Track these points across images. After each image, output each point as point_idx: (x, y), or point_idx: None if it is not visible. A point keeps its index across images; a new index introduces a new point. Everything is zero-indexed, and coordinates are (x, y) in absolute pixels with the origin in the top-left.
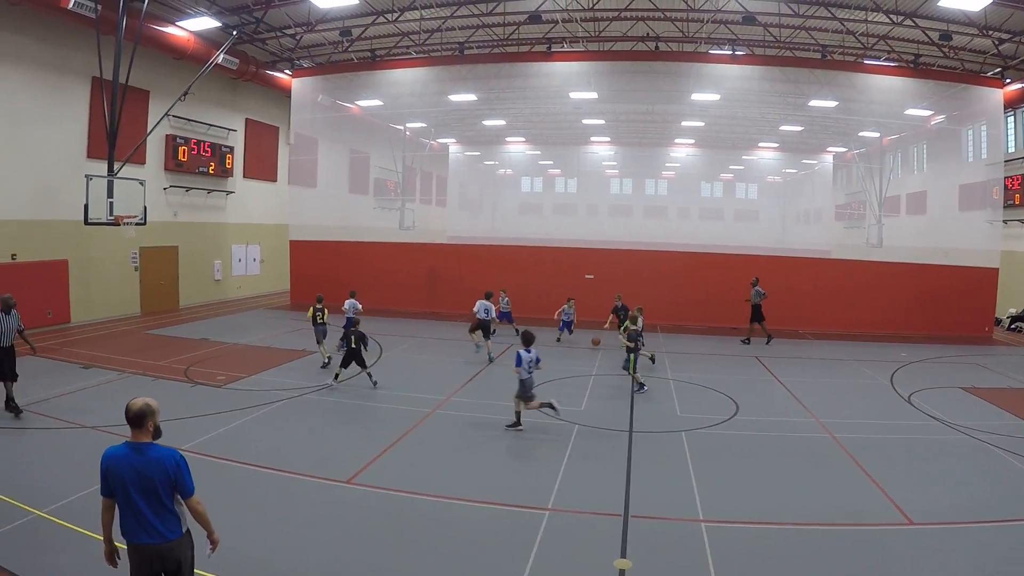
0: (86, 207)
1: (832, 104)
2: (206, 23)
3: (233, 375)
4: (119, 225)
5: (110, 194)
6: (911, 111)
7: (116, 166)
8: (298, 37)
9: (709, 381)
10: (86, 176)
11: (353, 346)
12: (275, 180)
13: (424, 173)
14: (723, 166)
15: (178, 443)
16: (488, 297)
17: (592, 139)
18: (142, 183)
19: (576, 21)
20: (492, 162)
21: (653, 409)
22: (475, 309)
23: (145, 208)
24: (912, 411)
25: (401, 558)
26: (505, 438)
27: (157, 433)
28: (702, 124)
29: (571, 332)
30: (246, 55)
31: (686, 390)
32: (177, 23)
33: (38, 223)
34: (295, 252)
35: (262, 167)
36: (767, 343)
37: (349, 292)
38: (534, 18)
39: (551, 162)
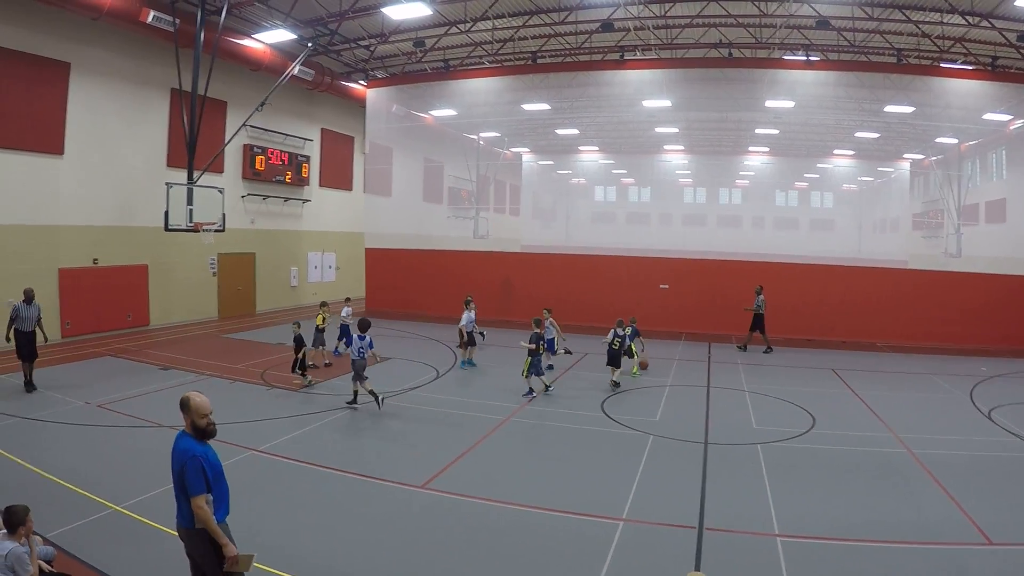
0: (166, 214)
1: (908, 109)
2: (282, 36)
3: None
4: (198, 232)
5: (190, 201)
6: (989, 115)
7: (195, 174)
8: (372, 48)
9: (786, 394)
10: (166, 184)
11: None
12: (350, 189)
13: (498, 182)
14: (798, 174)
15: (254, 444)
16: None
17: (665, 147)
18: (220, 191)
19: (648, 29)
20: (565, 171)
21: (729, 421)
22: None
23: (224, 215)
24: (992, 427)
25: (473, 565)
26: (580, 447)
27: (196, 431)
28: (776, 132)
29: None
30: (321, 66)
31: (762, 402)
32: (254, 36)
33: (120, 229)
34: (370, 260)
35: (338, 176)
36: (744, 348)
37: (345, 299)
38: (606, 26)
39: (624, 171)
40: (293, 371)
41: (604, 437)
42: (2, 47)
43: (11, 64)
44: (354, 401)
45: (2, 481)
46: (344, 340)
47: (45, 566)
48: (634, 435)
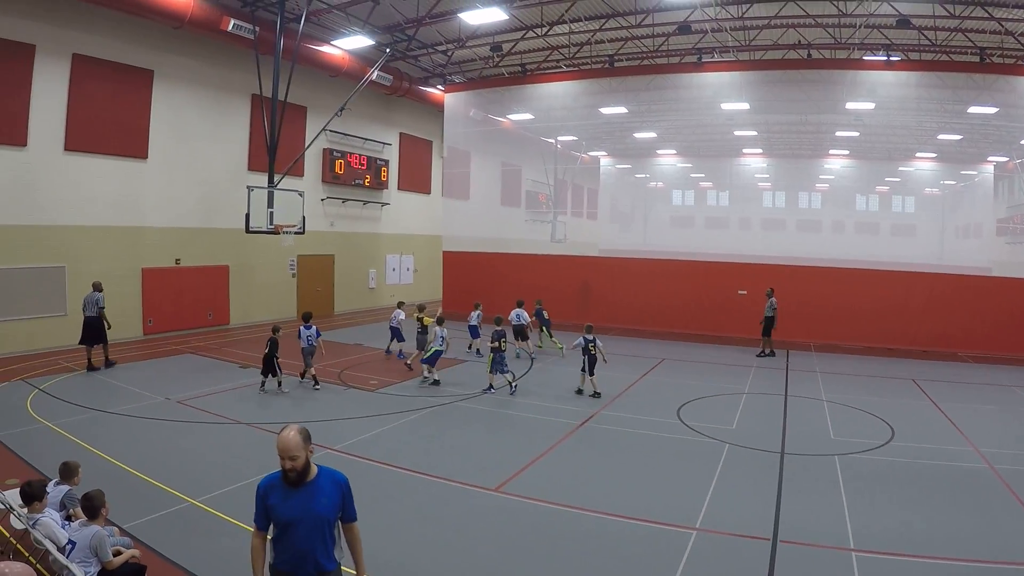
0: (247, 216)
1: (992, 110)
2: (360, 42)
3: (385, 380)
4: (278, 234)
5: (270, 204)
6: None
7: (276, 178)
8: (449, 53)
9: (864, 404)
10: (247, 187)
11: (267, 351)
12: (429, 192)
13: (575, 186)
14: (879, 178)
15: (330, 443)
16: (520, 305)
17: (744, 151)
18: (301, 194)
19: (726, 31)
20: (643, 175)
21: (806, 431)
22: (510, 317)
23: (304, 218)
24: None
25: (543, 569)
26: (655, 454)
27: None
28: (856, 134)
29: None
30: (399, 72)
31: (840, 412)
32: (332, 42)
33: (202, 231)
34: (448, 262)
35: (416, 179)
36: (764, 354)
37: (398, 303)
38: (683, 29)
39: (702, 175)
40: (264, 375)
41: (679, 444)
42: (89, 56)
43: (97, 72)
44: (316, 383)
45: (83, 472)
46: (394, 339)
47: (130, 553)
48: (710, 443)
